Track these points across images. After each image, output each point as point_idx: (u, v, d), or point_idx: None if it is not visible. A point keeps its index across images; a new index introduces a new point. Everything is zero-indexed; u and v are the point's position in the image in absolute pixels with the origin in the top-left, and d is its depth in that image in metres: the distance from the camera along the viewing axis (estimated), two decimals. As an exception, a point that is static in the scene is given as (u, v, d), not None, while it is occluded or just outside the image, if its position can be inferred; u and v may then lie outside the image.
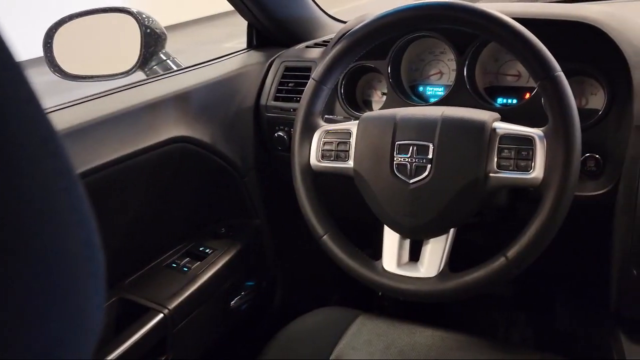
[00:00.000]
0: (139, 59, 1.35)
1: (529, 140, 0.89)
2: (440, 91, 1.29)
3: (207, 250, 1.31)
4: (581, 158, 1.07)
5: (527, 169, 0.88)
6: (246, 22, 1.54)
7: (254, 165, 1.41)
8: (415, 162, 0.94)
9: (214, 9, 10.40)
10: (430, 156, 0.93)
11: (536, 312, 1.66)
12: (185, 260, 1.28)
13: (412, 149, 0.94)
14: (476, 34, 1.10)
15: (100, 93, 1.13)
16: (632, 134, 0.99)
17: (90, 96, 1.11)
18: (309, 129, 1.05)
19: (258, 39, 1.55)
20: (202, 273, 1.24)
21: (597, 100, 1.12)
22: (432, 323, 1.15)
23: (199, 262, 1.27)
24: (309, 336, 1.16)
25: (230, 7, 1.47)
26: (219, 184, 1.36)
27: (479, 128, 0.91)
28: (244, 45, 1.58)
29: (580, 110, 1.13)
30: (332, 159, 1.03)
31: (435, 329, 1.13)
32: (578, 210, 0.96)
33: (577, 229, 1.15)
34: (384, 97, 1.32)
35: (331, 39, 1.39)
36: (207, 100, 1.29)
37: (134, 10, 1.36)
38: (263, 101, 1.40)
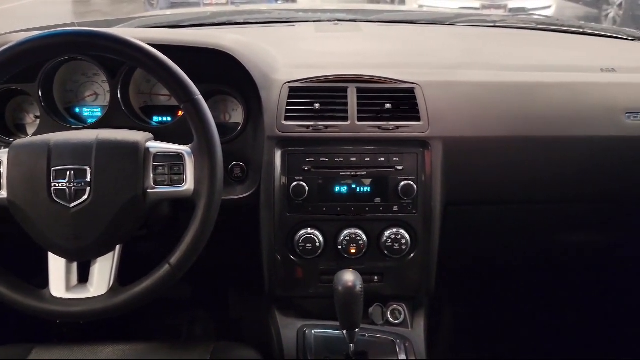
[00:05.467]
0: None
1: (179, 157, 0.99)
2: (97, 112, 1.32)
3: None
4: (229, 167, 1.24)
5: (180, 182, 0.99)
6: None
7: None
8: (74, 186, 0.95)
9: None
10: (88, 179, 0.96)
11: (214, 307, 1.81)
12: None
13: (70, 173, 0.96)
14: None
15: None
16: (265, 143, 1.19)
17: None
18: None
19: None
20: None
21: (238, 116, 1.30)
22: (116, 338, 1.18)
23: None
24: None
25: None
26: None
27: (134, 149, 0.98)
28: None
29: (225, 125, 1.31)
30: None
31: (117, 343, 1.16)
32: (232, 212, 1.11)
33: (234, 227, 1.32)
34: (38, 120, 1.28)
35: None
36: None
37: None
38: None
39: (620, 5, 7.59)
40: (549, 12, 6.74)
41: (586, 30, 1.81)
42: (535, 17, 2.93)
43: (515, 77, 1.32)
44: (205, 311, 1.80)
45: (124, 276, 1.01)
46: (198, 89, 1.00)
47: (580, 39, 1.76)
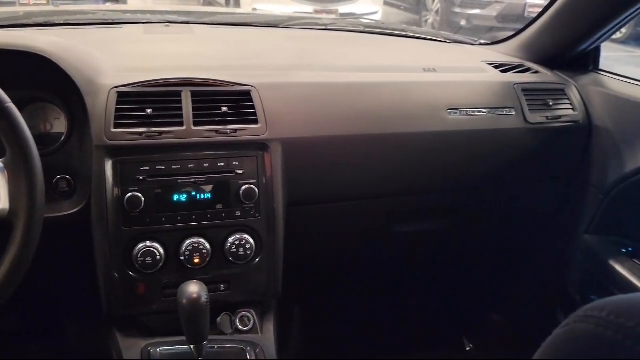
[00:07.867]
0: None
1: None
2: None
3: None
4: (53, 181, 1.13)
5: None
6: None
7: None
8: None
9: None
10: None
11: (49, 336, 1.65)
12: None
13: None
14: None
15: None
16: (94, 153, 1.10)
17: None
18: None
19: None
20: None
21: (61, 125, 1.19)
22: None
23: None
24: None
25: None
26: None
27: None
28: None
29: (46, 135, 1.19)
30: None
31: None
32: (60, 230, 1.01)
33: (64, 246, 1.21)
34: None
35: None
36: None
37: None
38: None
39: (437, 11, 8.32)
40: (376, 17, 7.14)
41: (409, 34, 1.93)
42: (363, 21, 3.08)
43: (346, 77, 1.36)
44: (40, 341, 1.64)
45: None
46: (9, 96, 0.90)
47: (403, 42, 1.87)
